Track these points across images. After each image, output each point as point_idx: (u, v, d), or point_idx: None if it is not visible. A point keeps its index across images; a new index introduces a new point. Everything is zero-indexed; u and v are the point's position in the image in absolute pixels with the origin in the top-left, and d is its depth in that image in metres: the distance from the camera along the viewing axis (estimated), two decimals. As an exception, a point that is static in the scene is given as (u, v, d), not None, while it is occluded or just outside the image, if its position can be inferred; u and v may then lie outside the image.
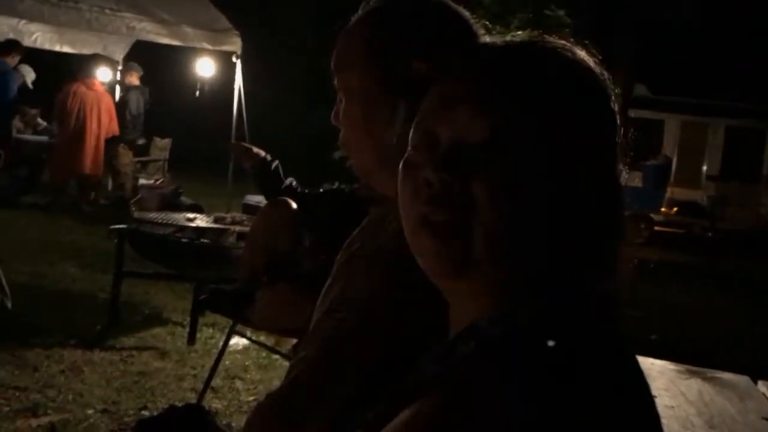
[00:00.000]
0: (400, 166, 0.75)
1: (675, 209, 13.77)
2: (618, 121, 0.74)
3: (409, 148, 0.76)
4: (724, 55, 17.90)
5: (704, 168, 14.48)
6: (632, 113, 7.53)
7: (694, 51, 17.35)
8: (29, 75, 9.03)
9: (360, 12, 1.19)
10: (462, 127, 0.69)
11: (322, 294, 1.14)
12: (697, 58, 17.58)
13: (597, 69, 0.74)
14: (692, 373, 1.87)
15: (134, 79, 9.61)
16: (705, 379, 1.83)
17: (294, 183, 3.38)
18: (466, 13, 1.16)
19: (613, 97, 0.75)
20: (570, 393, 0.61)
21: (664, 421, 1.49)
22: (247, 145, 3.57)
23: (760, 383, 1.86)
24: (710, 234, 13.31)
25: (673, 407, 1.59)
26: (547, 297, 0.68)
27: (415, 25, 1.13)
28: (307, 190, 3.32)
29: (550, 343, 0.63)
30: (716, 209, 13.64)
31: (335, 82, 1.21)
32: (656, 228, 13.74)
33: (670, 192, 13.90)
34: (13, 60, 8.33)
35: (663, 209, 13.75)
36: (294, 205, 3.29)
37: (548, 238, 0.69)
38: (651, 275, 9.61)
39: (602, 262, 0.73)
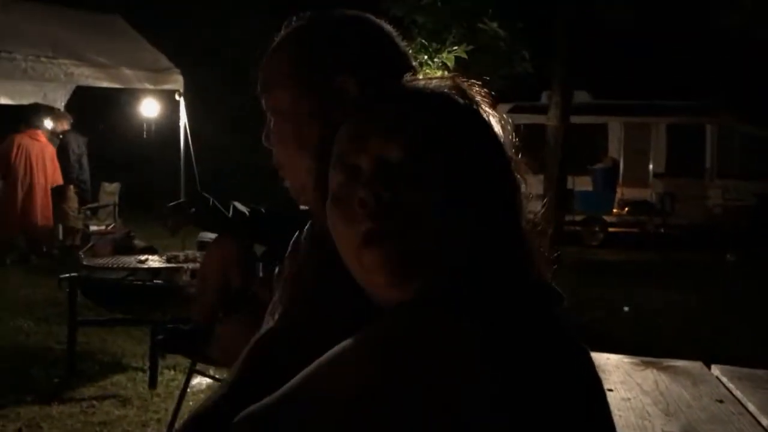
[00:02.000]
0: (328, 203, 0.82)
1: (626, 209, 14.04)
2: (503, 145, 0.84)
3: (332, 188, 0.82)
4: (660, 55, 18.42)
5: (650, 166, 14.80)
6: (575, 120, 7.70)
7: (631, 54, 17.82)
8: None
9: (283, 31, 1.19)
10: (378, 149, 0.77)
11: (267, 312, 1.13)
12: (635, 61, 18.06)
13: (482, 109, 0.84)
14: (647, 364, 1.89)
15: (65, 125, 9.47)
16: (660, 368, 1.86)
17: (241, 207, 3.31)
18: (390, 28, 1.18)
19: (496, 128, 0.84)
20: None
21: (621, 413, 1.51)
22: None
23: (713, 367, 1.90)
24: (662, 230, 13.60)
25: (629, 399, 1.60)
26: (467, 285, 0.74)
27: (340, 42, 1.14)
28: (249, 210, 3.24)
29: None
30: (666, 206, 13.95)
31: (263, 102, 1.21)
32: (610, 229, 13.98)
33: (620, 193, 14.17)
34: None
35: (615, 210, 14.01)
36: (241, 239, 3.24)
37: (464, 242, 0.76)
38: (611, 275, 9.76)
39: (516, 261, 0.79)
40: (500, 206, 0.80)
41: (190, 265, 4.44)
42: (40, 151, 8.73)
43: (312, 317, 0.90)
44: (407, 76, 0.90)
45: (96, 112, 10.18)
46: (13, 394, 4.12)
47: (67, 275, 4.49)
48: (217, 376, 3.96)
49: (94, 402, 4.11)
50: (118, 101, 10.80)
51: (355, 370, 0.67)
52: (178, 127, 8.40)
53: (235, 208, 3.11)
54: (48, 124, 9.21)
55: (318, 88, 1.13)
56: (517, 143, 0.87)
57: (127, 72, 8.18)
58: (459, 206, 0.76)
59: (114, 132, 11.77)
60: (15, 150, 8.59)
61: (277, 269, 1.08)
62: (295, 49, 1.16)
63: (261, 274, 3.28)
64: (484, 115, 0.84)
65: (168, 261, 4.61)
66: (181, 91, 8.35)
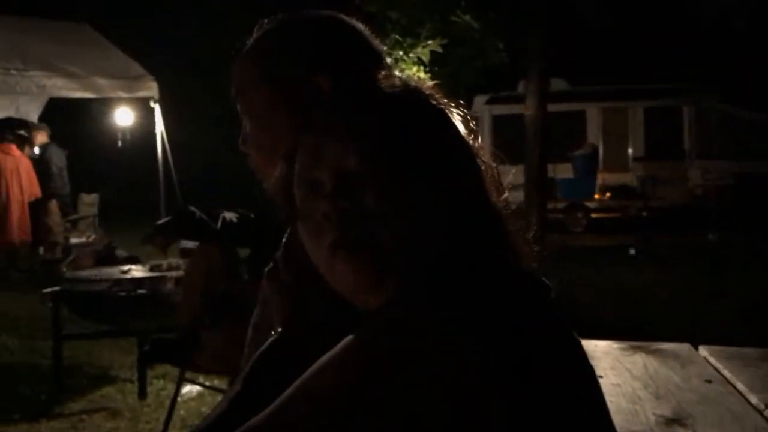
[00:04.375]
0: (297, 221, 0.83)
1: (608, 194, 14.13)
2: (462, 135, 0.83)
3: (298, 204, 0.83)
4: (636, 40, 18.52)
5: (630, 151, 14.90)
6: (552, 108, 7.73)
7: (606, 39, 17.91)
8: None
9: (255, 34, 1.18)
10: (336, 161, 0.78)
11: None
12: (611, 46, 18.14)
13: (445, 108, 0.84)
14: (636, 348, 1.89)
15: (44, 137, 9.35)
16: (648, 352, 1.86)
17: (229, 215, 3.28)
18: (362, 26, 1.16)
19: (452, 118, 0.83)
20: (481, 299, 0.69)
21: (611, 399, 1.51)
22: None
23: (701, 348, 1.90)
24: (645, 214, 13.69)
25: (619, 384, 1.60)
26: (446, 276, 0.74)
27: (310, 42, 1.12)
28: (238, 216, 3.22)
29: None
30: (647, 189, 14.06)
31: (238, 106, 1.20)
32: (593, 215, 14.07)
33: (601, 178, 14.26)
34: None
35: (597, 196, 14.09)
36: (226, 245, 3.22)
37: (433, 239, 0.76)
38: (595, 261, 9.81)
39: (495, 252, 0.79)
40: (468, 199, 0.79)
41: (174, 273, 4.39)
42: (14, 164, 8.62)
43: (311, 328, 0.90)
44: (370, 80, 0.89)
45: (71, 122, 10.06)
46: (3, 411, 4.07)
47: (50, 289, 4.43)
48: (207, 384, 3.94)
49: (84, 416, 4.06)
50: (91, 111, 10.70)
51: (339, 377, 0.67)
52: (155, 134, 8.33)
53: (223, 218, 3.09)
54: (23, 137, 9.10)
55: (288, 89, 1.11)
56: (475, 129, 0.86)
57: (100, 81, 8.10)
58: (422, 206, 0.76)
59: (89, 142, 11.65)
60: (-12, 165, 8.48)
61: (268, 268, 1.06)
62: (266, 51, 1.15)
63: (246, 278, 3.26)
64: (438, 108, 0.83)
65: (151, 270, 4.56)
66: (156, 98, 8.28)
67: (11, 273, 8.65)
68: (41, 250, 9.37)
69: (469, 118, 0.86)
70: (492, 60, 5.14)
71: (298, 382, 0.70)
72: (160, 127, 8.29)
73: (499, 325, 0.67)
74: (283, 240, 1.12)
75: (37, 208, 8.86)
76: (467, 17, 4.79)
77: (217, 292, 3.16)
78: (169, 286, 4.38)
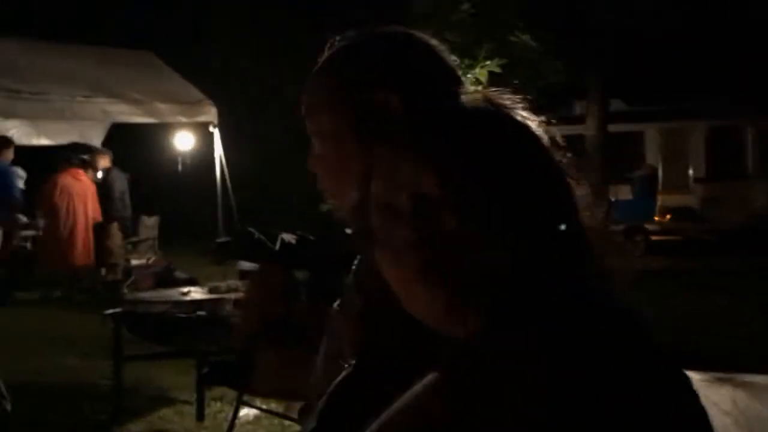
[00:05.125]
0: (375, 246, 0.79)
1: (668, 216, 13.77)
2: (548, 151, 0.78)
3: (374, 229, 0.79)
4: (694, 58, 18.14)
5: (690, 171, 14.53)
6: (612, 128, 7.56)
7: (664, 59, 17.58)
8: (22, 176, 8.95)
9: (327, 52, 1.15)
10: (413, 183, 0.73)
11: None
12: (669, 65, 17.80)
13: (530, 123, 0.79)
14: (722, 381, 1.78)
15: (106, 162, 9.59)
16: (736, 385, 1.75)
17: (288, 237, 3.28)
18: (435, 42, 1.13)
19: (536, 133, 0.78)
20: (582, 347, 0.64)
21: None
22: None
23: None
24: (707, 236, 13.30)
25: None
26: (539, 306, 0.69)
27: (382, 59, 1.09)
28: (296, 238, 3.21)
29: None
30: (708, 211, 13.66)
31: (308, 126, 1.18)
32: (653, 237, 13.72)
33: (661, 200, 13.91)
34: (7, 156, 8.35)
35: (657, 218, 13.75)
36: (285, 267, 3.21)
37: (523, 265, 0.71)
38: (657, 285, 9.54)
39: (578, 273, 0.74)
40: (557, 221, 0.74)
41: (233, 295, 4.42)
42: (82, 190, 8.87)
43: (387, 361, 0.86)
44: (448, 97, 0.85)
45: (132, 147, 10.32)
46: (64, 430, 4.12)
47: (111, 311, 4.50)
48: (263, 407, 3.92)
49: (143, 437, 4.10)
50: (152, 136, 10.95)
51: (426, 419, 0.63)
52: (214, 158, 8.48)
53: (282, 240, 3.08)
54: (87, 161, 9.35)
55: (360, 108, 1.08)
56: (562, 145, 0.81)
57: (161, 106, 8.30)
58: (509, 229, 0.71)
59: (150, 166, 11.93)
60: (58, 190, 8.73)
61: (338, 302, 1.02)
62: (336, 70, 1.12)
63: (305, 301, 3.25)
64: (522, 123, 0.78)
65: (210, 292, 4.60)
66: (215, 122, 8.43)
67: (74, 294, 8.85)
68: (102, 271, 9.58)
69: (556, 133, 0.81)
70: (551, 80, 5.07)
71: (380, 421, 0.66)
72: (218, 150, 8.42)
73: (602, 369, 0.62)
74: (353, 266, 1.08)
75: (99, 230, 9.08)
76: (526, 37, 4.73)
77: (275, 315, 3.15)
78: (228, 307, 4.40)
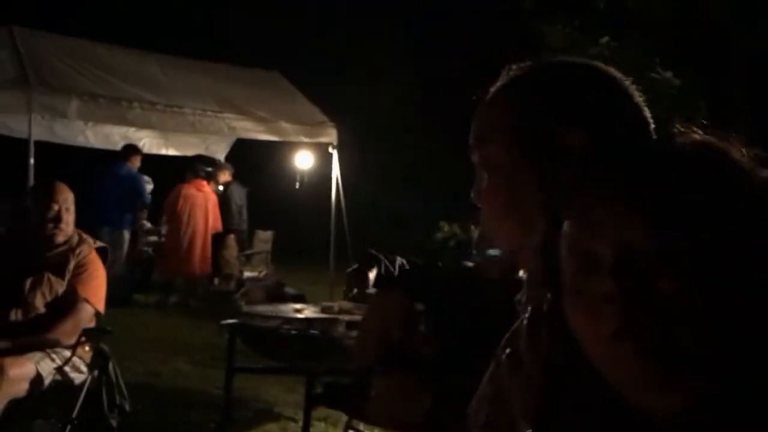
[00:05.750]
0: (565, 294, 0.71)
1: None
2: None
3: (566, 277, 0.71)
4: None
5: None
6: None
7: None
8: (149, 185, 9.42)
9: (501, 81, 1.10)
10: (619, 231, 0.66)
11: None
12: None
13: (741, 166, 0.69)
14: None
15: (227, 176, 9.94)
16: None
17: (402, 261, 3.26)
18: (621, 76, 1.05)
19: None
20: None
21: None
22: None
23: None
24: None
25: None
26: None
27: (565, 93, 1.02)
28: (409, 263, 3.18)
29: None
30: None
31: (473, 156, 1.12)
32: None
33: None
34: (134, 164, 8.85)
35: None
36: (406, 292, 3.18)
37: (741, 341, 0.62)
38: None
39: None
40: None
41: (346, 317, 4.41)
42: (204, 200, 9.21)
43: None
44: (662, 136, 0.78)
45: (254, 162, 10.65)
46: (174, 436, 4.23)
47: (229, 321, 4.59)
48: (372, 434, 3.86)
49: (249, 449, 4.13)
50: (272, 153, 11.27)
51: None
52: (330, 178, 8.62)
53: (402, 265, 3.06)
54: (210, 173, 9.73)
55: (539, 144, 1.01)
56: None
57: (285, 125, 8.53)
58: (734, 295, 0.62)
59: (270, 182, 12.27)
60: (181, 200, 9.11)
61: (508, 352, 0.94)
62: (515, 100, 1.06)
63: (423, 331, 3.19)
64: (746, 169, 0.68)
65: (323, 311, 4.61)
66: (335, 143, 8.58)
67: (190, 302, 9.16)
68: (216, 281, 9.89)
69: None
70: (693, 118, 4.81)
71: None
72: (336, 171, 8.56)
73: None
74: (525, 321, 1.00)
75: (216, 241, 9.39)
76: (668, 74, 4.52)
77: (393, 341, 3.10)
78: (340, 329, 4.39)
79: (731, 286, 0.62)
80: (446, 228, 3.53)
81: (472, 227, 5.71)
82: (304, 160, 9.48)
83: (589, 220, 0.69)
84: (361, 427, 4.03)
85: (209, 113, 8.18)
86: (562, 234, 0.73)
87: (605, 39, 4.37)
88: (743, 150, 0.71)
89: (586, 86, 1.03)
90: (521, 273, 1.10)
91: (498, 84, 1.10)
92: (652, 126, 1.04)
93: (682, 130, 0.77)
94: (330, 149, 8.60)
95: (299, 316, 4.60)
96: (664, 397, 0.64)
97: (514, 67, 1.11)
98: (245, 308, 4.94)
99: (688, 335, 0.62)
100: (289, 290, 8.58)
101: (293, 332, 4.45)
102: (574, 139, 0.98)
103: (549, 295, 0.90)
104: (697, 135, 0.74)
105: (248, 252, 10.23)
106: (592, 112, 1.00)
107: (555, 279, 0.75)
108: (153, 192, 9.33)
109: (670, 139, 0.76)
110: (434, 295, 3.17)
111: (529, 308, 0.97)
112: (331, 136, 8.63)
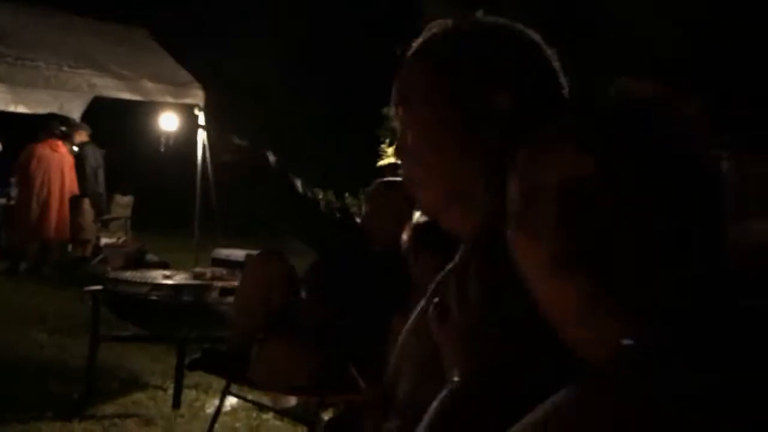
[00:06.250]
0: (511, 224, 0.74)
1: None
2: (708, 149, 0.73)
3: (511, 206, 0.74)
4: None
5: None
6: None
7: None
8: None
9: (422, 38, 1.11)
10: (569, 166, 0.68)
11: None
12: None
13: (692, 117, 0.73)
14: None
15: (84, 137, 9.39)
16: None
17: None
18: (539, 39, 1.09)
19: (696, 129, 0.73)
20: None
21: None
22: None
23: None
24: None
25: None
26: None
27: (491, 52, 1.05)
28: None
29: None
30: None
31: (395, 113, 1.13)
32: None
33: None
34: None
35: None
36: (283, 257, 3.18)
37: (677, 272, 0.66)
38: None
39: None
40: (715, 221, 0.68)
41: (219, 283, 4.33)
42: (59, 162, 8.68)
43: (496, 382, 0.80)
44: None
45: (113, 123, 10.10)
46: (34, 409, 4.00)
47: (92, 288, 4.38)
48: (249, 398, 3.82)
49: (116, 420, 3.99)
50: (134, 113, 10.74)
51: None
52: (196, 142, 8.32)
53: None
54: (65, 133, 9.15)
55: (465, 102, 1.04)
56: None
57: (149, 85, 8.12)
58: (672, 228, 0.65)
59: (130, 144, 11.70)
60: (34, 161, 8.53)
61: (435, 301, 0.95)
62: (440, 60, 1.07)
63: (304, 295, 3.19)
64: (685, 120, 0.73)
65: (195, 278, 4.51)
66: (201, 105, 8.28)
67: (43, 268, 8.64)
68: (69, 246, 9.37)
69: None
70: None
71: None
72: (202, 135, 8.27)
73: None
74: (451, 273, 1.01)
75: (71, 206, 8.88)
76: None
77: (275, 307, 3.08)
78: (213, 295, 4.32)
79: (671, 205, 0.65)
80: (320, 196, 3.49)
81: (347, 194, 5.73)
82: (169, 122, 9.10)
83: (539, 154, 0.72)
84: (237, 391, 3.99)
85: (66, 68, 7.64)
86: (510, 168, 0.75)
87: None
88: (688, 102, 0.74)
89: (510, 47, 1.06)
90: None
91: (419, 41, 1.11)
92: (567, 92, 1.09)
93: (630, 83, 0.81)
94: (196, 111, 8.29)
95: (169, 282, 4.47)
96: (602, 324, 0.65)
97: (434, 24, 1.12)
98: (111, 274, 4.73)
99: (625, 262, 0.64)
100: (151, 257, 8.30)
101: (164, 299, 4.32)
102: (500, 99, 1.01)
103: (479, 245, 0.94)
104: (643, 89, 0.78)
105: (106, 217, 9.75)
106: (516, 72, 1.03)
107: (499, 222, 0.78)
108: (1, 152, 8.67)
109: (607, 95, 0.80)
110: (324, 247, 3.17)
111: (456, 258, 1.00)
112: (197, 97, 8.30)
